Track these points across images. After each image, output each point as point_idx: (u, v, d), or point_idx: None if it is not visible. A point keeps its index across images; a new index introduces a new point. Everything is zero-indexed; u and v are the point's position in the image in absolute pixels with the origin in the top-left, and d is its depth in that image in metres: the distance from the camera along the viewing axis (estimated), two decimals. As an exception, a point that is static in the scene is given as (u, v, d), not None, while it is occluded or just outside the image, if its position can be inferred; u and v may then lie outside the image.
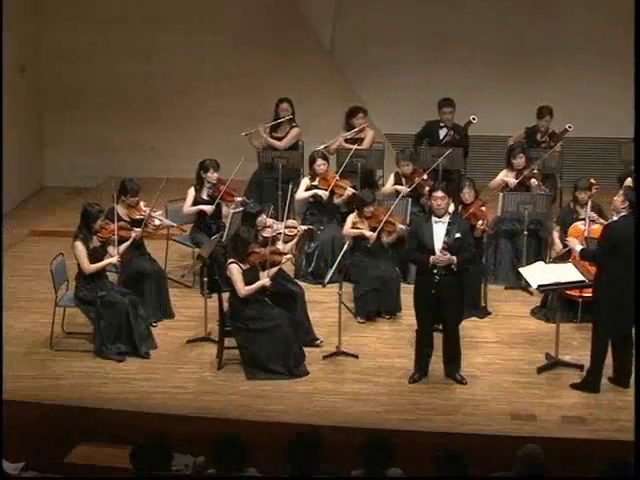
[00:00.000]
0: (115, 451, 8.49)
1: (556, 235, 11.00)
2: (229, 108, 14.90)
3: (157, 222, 11.22)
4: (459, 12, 14.45)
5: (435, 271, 9.13)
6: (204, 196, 11.83)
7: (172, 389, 9.77)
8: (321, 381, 9.86)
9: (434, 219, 9.25)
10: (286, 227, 10.80)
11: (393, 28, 14.58)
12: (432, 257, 9.09)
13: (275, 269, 10.15)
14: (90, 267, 10.33)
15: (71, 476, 8.36)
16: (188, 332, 10.80)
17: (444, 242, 9.08)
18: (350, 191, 11.95)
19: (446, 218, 9.26)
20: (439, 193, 9.18)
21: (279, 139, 13.25)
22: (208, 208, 11.69)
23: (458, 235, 9.19)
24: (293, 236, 10.79)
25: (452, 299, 9.29)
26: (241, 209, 11.49)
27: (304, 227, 11.10)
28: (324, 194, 12.10)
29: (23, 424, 9.03)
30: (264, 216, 10.76)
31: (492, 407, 9.27)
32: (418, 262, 9.35)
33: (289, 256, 10.55)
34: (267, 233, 10.60)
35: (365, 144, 13.00)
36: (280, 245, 10.55)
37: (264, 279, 9.92)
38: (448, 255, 9.10)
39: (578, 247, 9.94)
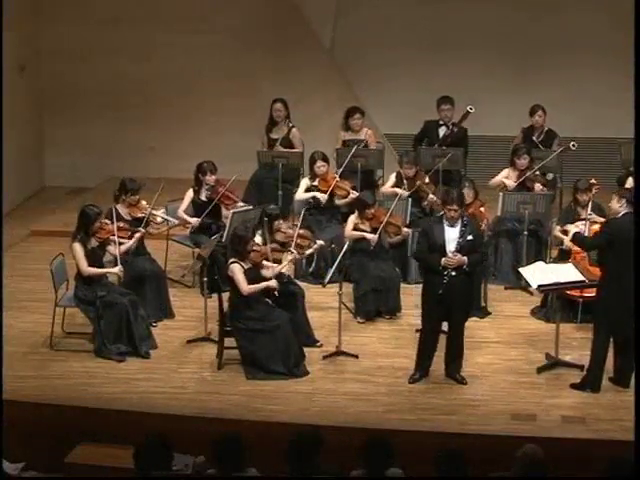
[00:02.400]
0: (115, 451, 8.48)
1: (557, 229, 10.99)
2: (229, 108, 14.89)
3: (159, 220, 11.23)
4: (459, 12, 14.42)
5: (445, 272, 9.14)
6: (202, 197, 11.84)
7: (172, 389, 9.77)
8: (321, 381, 9.86)
9: (446, 222, 9.27)
10: (299, 236, 10.80)
11: (393, 28, 14.57)
12: (444, 259, 9.12)
13: (279, 267, 10.16)
14: (88, 270, 10.33)
15: (71, 476, 8.34)
16: (188, 332, 10.80)
17: (458, 243, 9.13)
18: (353, 194, 11.93)
19: (458, 221, 9.26)
20: (454, 206, 9.19)
21: (275, 140, 13.22)
22: (194, 221, 11.67)
23: (470, 237, 9.23)
24: (304, 247, 10.78)
25: (461, 300, 9.33)
26: (242, 209, 11.50)
27: (320, 242, 11.03)
28: (323, 197, 12.11)
29: (23, 424, 9.04)
30: (281, 220, 10.85)
31: (492, 407, 9.26)
32: (429, 263, 9.34)
33: (292, 257, 10.51)
34: (280, 237, 10.66)
35: (371, 145, 12.99)
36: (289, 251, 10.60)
37: (270, 280, 9.92)
38: (459, 256, 9.12)
39: (574, 230, 9.98)
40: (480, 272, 10.69)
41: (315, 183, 12.23)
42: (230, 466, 7.28)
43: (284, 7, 14.83)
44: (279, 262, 10.35)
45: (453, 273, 9.17)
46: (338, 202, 12.17)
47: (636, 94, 10.43)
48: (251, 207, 11.66)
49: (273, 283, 9.94)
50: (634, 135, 10.02)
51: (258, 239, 10.47)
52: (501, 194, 11.49)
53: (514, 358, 10.11)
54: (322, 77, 14.81)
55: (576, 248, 10.39)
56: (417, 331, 9.93)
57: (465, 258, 9.16)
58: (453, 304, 9.29)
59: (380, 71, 14.64)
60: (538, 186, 11.60)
